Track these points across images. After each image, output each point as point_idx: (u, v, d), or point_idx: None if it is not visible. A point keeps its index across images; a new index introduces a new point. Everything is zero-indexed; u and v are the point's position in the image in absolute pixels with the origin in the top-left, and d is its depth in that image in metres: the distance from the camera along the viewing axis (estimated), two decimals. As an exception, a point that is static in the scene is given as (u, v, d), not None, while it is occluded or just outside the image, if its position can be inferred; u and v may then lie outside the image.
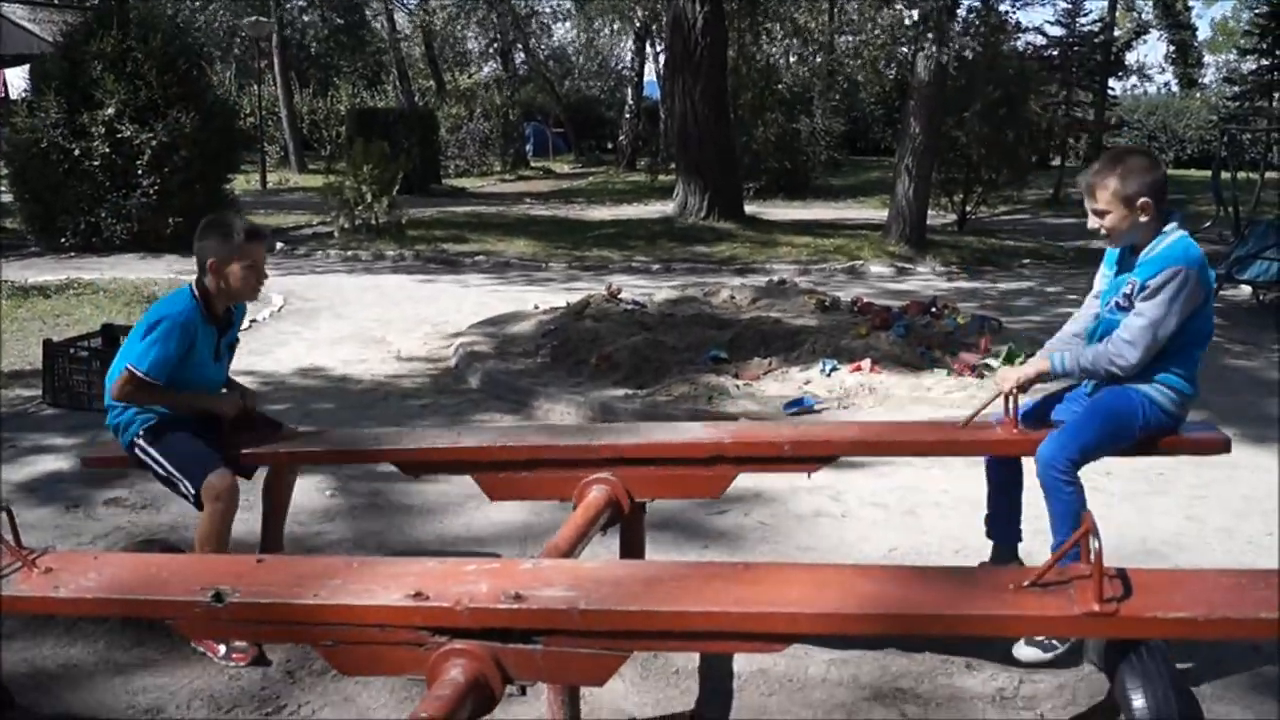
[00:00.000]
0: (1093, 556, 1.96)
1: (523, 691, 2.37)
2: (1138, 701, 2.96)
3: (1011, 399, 3.21)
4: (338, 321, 8.98)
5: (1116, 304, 3.15)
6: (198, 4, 29.70)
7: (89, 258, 12.44)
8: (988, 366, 6.74)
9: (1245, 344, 8.64)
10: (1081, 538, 2.02)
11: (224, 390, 3.79)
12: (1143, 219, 3.06)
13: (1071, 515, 3.09)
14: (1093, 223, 3.14)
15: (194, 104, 13.36)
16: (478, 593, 2.23)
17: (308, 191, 20.39)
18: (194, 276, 3.66)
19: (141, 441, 3.55)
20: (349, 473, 5.10)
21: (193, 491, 3.47)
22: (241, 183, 22.49)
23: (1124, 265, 3.22)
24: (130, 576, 2.52)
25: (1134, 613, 1.95)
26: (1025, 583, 2.03)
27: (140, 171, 12.81)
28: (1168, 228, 3.10)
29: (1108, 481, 5.18)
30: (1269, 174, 13.85)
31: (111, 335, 6.35)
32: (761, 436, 3.20)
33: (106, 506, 4.60)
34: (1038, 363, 3.23)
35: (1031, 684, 3.23)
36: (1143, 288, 3.04)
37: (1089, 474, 5.35)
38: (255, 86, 26.73)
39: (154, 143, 12.76)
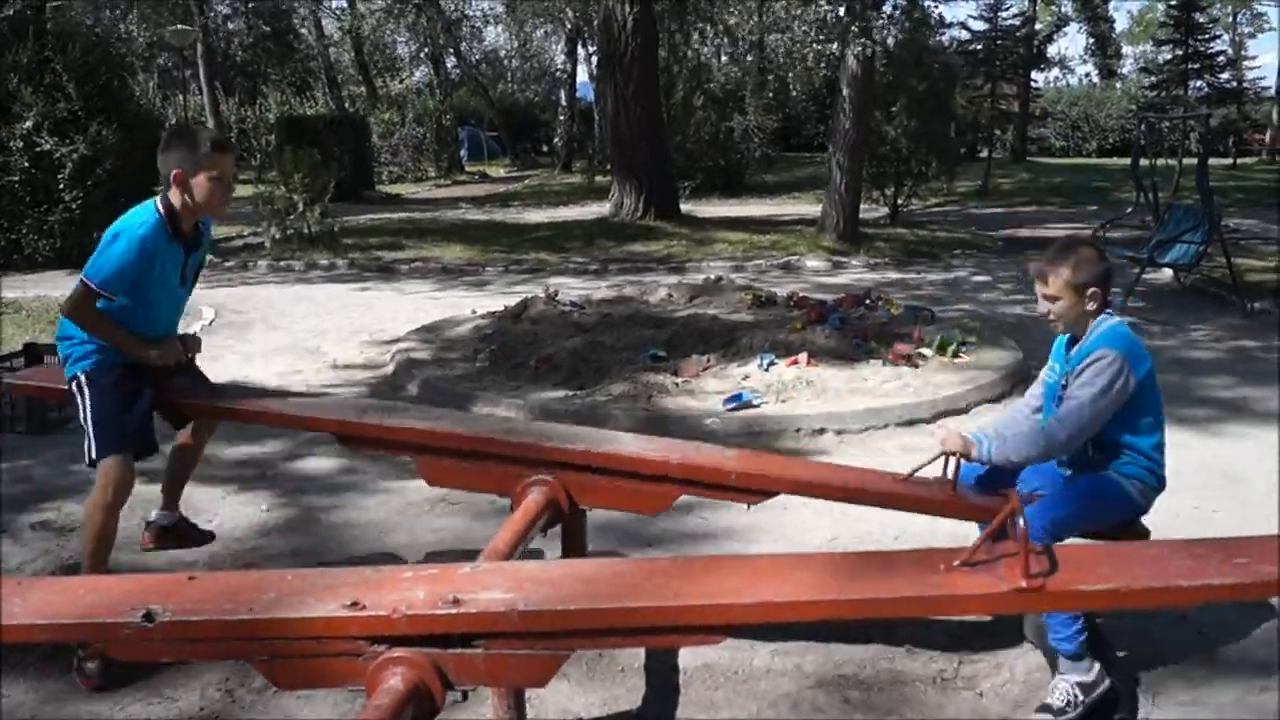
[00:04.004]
0: (1019, 535, 1.99)
1: (464, 697, 2.35)
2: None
3: (952, 461, 3.19)
4: (272, 333, 8.86)
5: (1060, 397, 3.18)
6: (118, 13, 29.08)
7: (11, 275, 12.13)
8: (921, 356, 6.83)
9: (1166, 325, 8.87)
10: (1008, 516, 2.06)
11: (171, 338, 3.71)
12: (1090, 307, 3.12)
13: None
14: (1042, 307, 3.19)
15: (116, 116, 13.10)
16: (415, 599, 2.21)
17: (238, 202, 19.91)
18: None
19: (82, 378, 3.50)
20: (286, 486, 5.05)
21: (93, 456, 3.46)
22: (169, 196, 22.10)
23: (1060, 359, 3.28)
24: (58, 601, 2.45)
25: (1060, 587, 1.99)
26: (955, 563, 2.06)
27: (62, 186, 12.53)
28: (1100, 317, 3.16)
29: (1041, 464, 5.28)
30: (1186, 160, 14.21)
31: (35, 354, 6.20)
32: (709, 462, 3.21)
33: (34, 531, 4.48)
34: (970, 442, 3.16)
35: (970, 665, 3.28)
36: (1076, 373, 3.09)
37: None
38: (181, 96, 26.27)
39: (75, 156, 12.50)
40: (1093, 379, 3.01)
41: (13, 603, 2.42)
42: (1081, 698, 2.94)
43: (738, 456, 3.32)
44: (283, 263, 13.13)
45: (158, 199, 3.51)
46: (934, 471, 3.20)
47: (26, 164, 12.47)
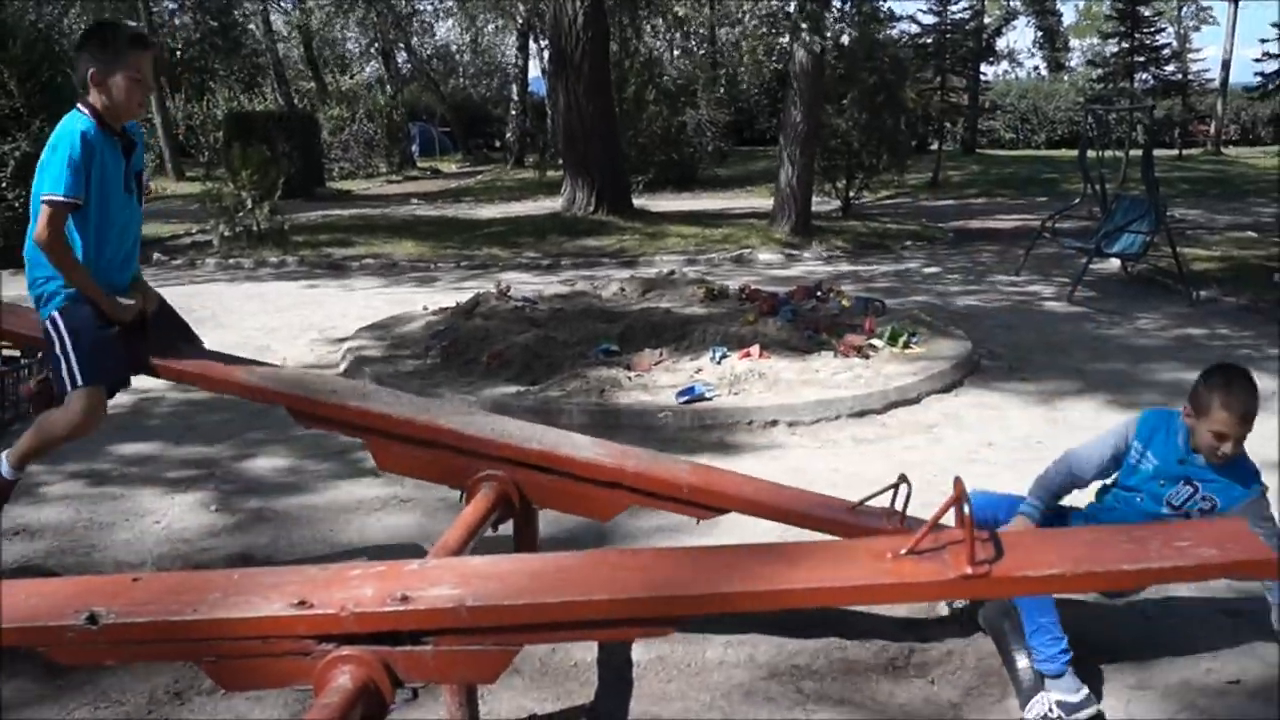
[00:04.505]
0: (964, 521, 2.01)
1: (414, 695, 2.33)
2: (1022, 662, 3.08)
3: (902, 489, 3.19)
4: (220, 331, 8.72)
5: (1189, 517, 3.09)
6: (60, 9, 28.50)
7: (-48, 277, 11.88)
8: (872, 347, 6.88)
9: (1114, 314, 9.01)
10: (954, 503, 2.07)
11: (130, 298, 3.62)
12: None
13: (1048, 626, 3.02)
14: (1226, 446, 3.01)
15: (60, 113, 12.77)
16: (363, 597, 2.19)
17: (185, 199, 19.79)
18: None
19: (59, 316, 3.40)
20: (234, 486, 4.99)
21: (79, 382, 3.36)
22: (115, 193, 21.63)
23: (1175, 458, 3.14)
24: (-2, 604, 2.41)
25: (1005, 572, 2.01)
26: (902, 551, 2.07)
27: (4, 184, 12.28)
28: None
29: (991, 452, 5.36)
30: (1133, 151, 14.43)
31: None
32: (664, 473, 3.21)
33: (-24, 535, 4.40)
34: None
35: (922, 653, 3.32)
36: (1228, 501, 3.07)
37: (971, 445, 5.52)
38: (125, 93, 25.77)
39: (18, 153, 12.23)
40: (1262, 510, 3.07)
41: (-50, 608, 2.37)
42: (1062, 715, 2.90)
43: (692, 470, 3.32)
44: (231, 260, 12.96)
45: (79, 104, 3.42)
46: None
47: (-34, 162, 12.21)
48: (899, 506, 3.13)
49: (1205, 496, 3.09)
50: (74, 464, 5.17)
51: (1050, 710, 2.91)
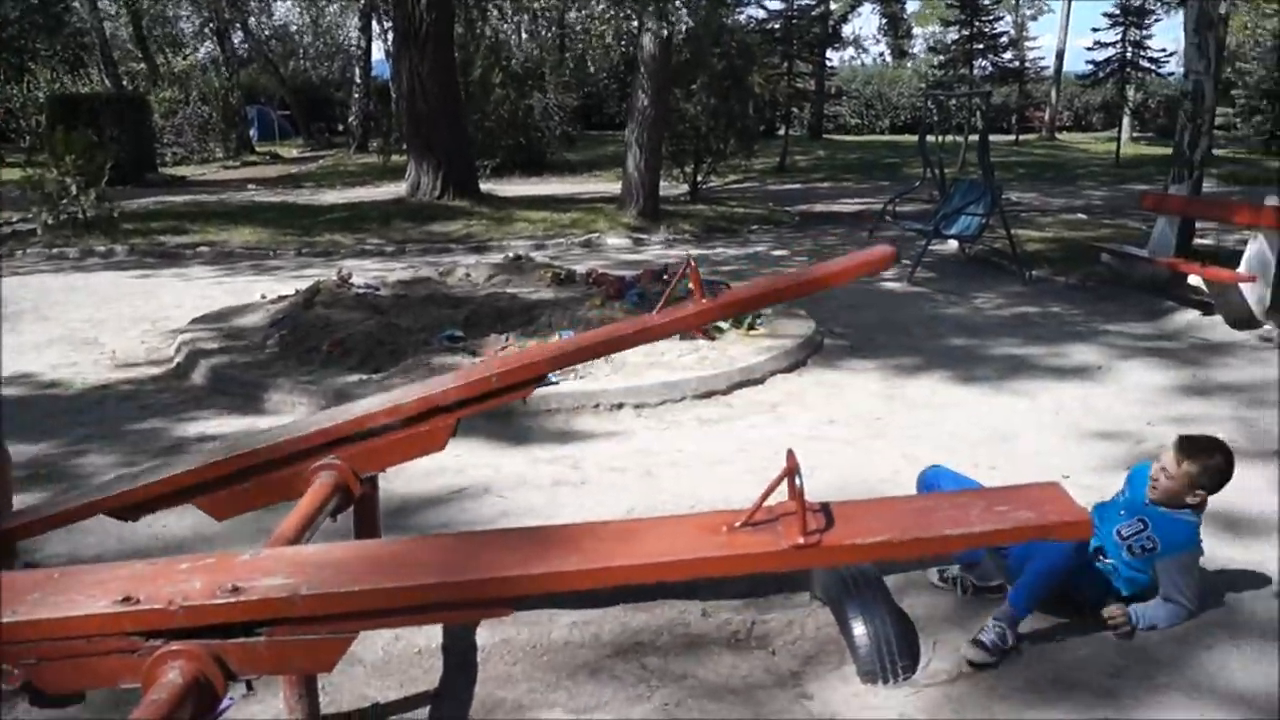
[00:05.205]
0: (796, 493, 2.07)
1: (249, 687, 2.28)
2: (858, 629, 3.20)
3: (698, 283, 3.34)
4: (43, 324, 8.29)
5: (1130, 549, 3.46)
6: None
7: None
8: (718, 329, 6.99)
9: (952, 294, 9.38)
10: (786, 476, 2.13)
11: None
12: (1190, 501, 3.40)
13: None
14: (1156, 471, 3.44)
15: None
16: (192, 590, 2.12)
17: (5, 186, 18.65)
18: None
19: None
20: (64, 485, 4.75)
21: None
22: (-76, 179, 20.30)
23: (1141, 500, 3.51)
24: None
25: (836, 541, 2.07)
26: (737, 524, 2.12)
27: None
28: (1189, 511, 3.43)
29: (831, 429, 5.52)
30: (972, 136, 15.03)
31: None
32: (469, 378, 3.19)
33: None
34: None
35: (763, 624, 3.40)
36: (1166, 548, 3.42)
37: (813, 423, 5.66)
38: (-66, 73, 24.19)
39: None
40: (1189, 569, 3.45)
41: None
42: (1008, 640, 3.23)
43: (498, 361, 3.35)
44: (55, 250, 12.28)
45: None
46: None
47: None
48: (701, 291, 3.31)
49: (1150, 537, 3.45)
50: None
51: (1006, 640, 3.22)
